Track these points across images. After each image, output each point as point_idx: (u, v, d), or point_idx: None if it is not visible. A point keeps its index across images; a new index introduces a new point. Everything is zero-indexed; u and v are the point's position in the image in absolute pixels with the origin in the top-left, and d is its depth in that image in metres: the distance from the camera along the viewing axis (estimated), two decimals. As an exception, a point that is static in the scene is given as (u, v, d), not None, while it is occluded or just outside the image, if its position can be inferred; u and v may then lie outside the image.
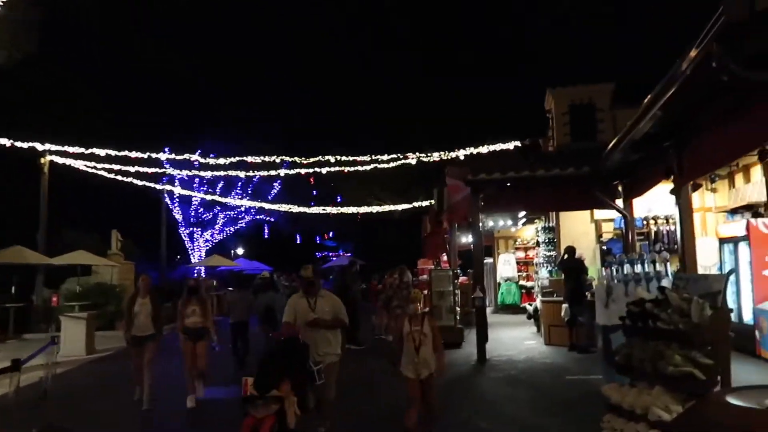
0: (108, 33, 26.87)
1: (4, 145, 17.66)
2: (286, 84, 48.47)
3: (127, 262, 20.65)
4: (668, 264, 7.74)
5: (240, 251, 42.97)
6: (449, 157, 15.03)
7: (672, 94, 5.61)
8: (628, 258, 7.67)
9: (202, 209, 33.93)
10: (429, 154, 15.13)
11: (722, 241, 10.57)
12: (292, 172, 16.89)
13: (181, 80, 33.58)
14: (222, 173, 18.19)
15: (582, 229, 13.82)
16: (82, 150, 16.38)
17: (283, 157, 14.65)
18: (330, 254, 49.77)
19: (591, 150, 11.39)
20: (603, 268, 9.20)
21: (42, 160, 19.16)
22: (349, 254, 45.64)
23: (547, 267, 15.37)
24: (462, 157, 14.91)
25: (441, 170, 15.34)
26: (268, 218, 36.28)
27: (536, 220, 18.75)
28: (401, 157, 15.17)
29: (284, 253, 43.67)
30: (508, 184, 10.64)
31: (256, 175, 32.85)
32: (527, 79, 31.31)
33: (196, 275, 20.19)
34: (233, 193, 31.86)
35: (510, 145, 15.40)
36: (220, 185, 32.80)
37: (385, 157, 15.10)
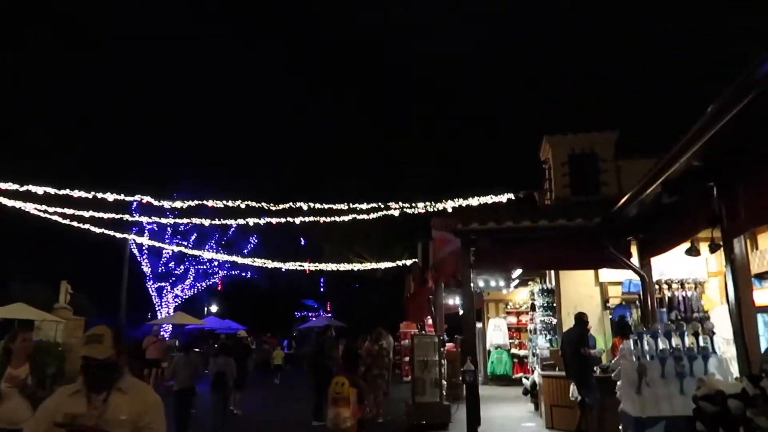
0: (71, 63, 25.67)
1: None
2: (262, 130, 47.71)
3: (76, 318, 18.51)
4: (702, 336, 6.13)
5: (214, 309, 40.63)
6: (435, 209, 13.58)
7: (738, 112, 4.16)
8: (663, 328, 6.04)
9: (173, 263, 31.91)
10: (413, 205, 13.65)
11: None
12: (262, 221, 15.22)
13: (150, 122, 32.31)
14: (189, 220, 16.33)
15: (585, 293, 12.21)
16: (34, 189, 14.56)
17: (248, 203, 13.04)
18: (309, 314, 47.50)
19: (593, 204, 9.98)
20: (625, 341, 7.53)
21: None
22: (329, 314, 43.44)
23: (546, 335, 13.64)
24: (450, 209, 13.42)
25: (426, 223, 13.83)
26: (242, 273, 34.27)
27: (531, 282, 17.12)
28: (382, 207, 13.66)
29: (261, 313, 41.44)
30: (504, 237, 9.10)
31: (230, 226, 31.38)
32: (521, 127, 30.08)
33: (155, 333, 18.06)
34: (207, 246, 30.02)
35: (503, 198, 13.99)
36: (192, 237, 31.00)
37: (365, 206, 13.59)
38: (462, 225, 9.06)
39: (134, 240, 21.97)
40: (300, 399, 14.41)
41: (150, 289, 31.20)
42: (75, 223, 18.82)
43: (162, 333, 29.34)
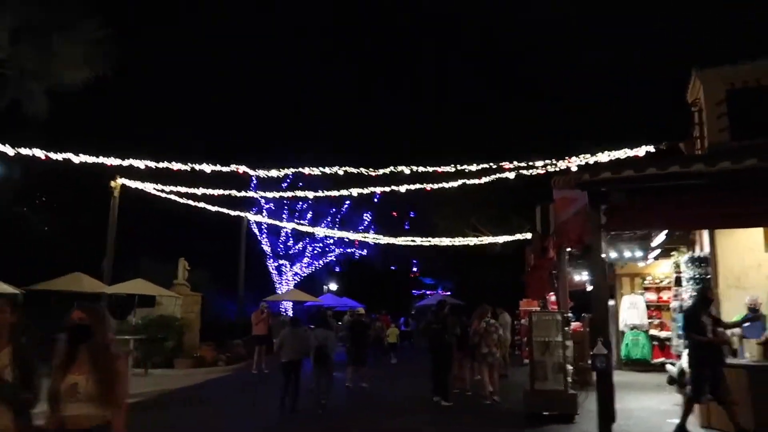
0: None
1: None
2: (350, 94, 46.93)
3: (193, 294, 18.91)
4: None
5: (333, 287, 41.06)
6: (557, 168, 11.71)
7: None
8: None
9: (291, 241, 32.34)
10: (530, 164, 11.82)
11: None
12: (365, 191, 14.19)
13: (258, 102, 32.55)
14: (291, 194, 15.74)
15: (751, 261, 9.82)
16: (154, 164, 14.59)
17: (347, 169, 12.02)
18: (427, 292, 46.65)
19: (762, 149, 7.73)
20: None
21: (112, 183, 18.03)
22: (448, 293, 42.26)
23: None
24: (574, 168, 11.48)
25: (546, 185, 12.02)
26: (358, 251, 34.02)
27: (675, 252, 14.60)
28: (495, 167, 11.97)
29: (378, 290, 41.19)
30: (645, 189, 7.21)
31: (343, 202, 31.09)
32: (658, 65, 25.71)
33: (261, 309, 17.94)
34: (322, 223, 29.94)
35: (639, 151, 11.75)
36: (308, 216, 31.11)
37: (475, 168, 11.98)
38: (590, 175, 7.29)
39: (247, 217, 22.08)
40: (418, 375, 13.54)
41: (270, 267, 31.85)
42: (192, 202, 19.17)
43: (281, 310, 29.93)
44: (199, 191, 16.54)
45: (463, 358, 12.78)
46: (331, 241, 32.35)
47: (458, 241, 24.26)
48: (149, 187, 16.61)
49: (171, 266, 19.13)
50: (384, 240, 24.28)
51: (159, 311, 17.98)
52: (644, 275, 17.06)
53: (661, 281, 16.61)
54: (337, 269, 37.39)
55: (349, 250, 33.99)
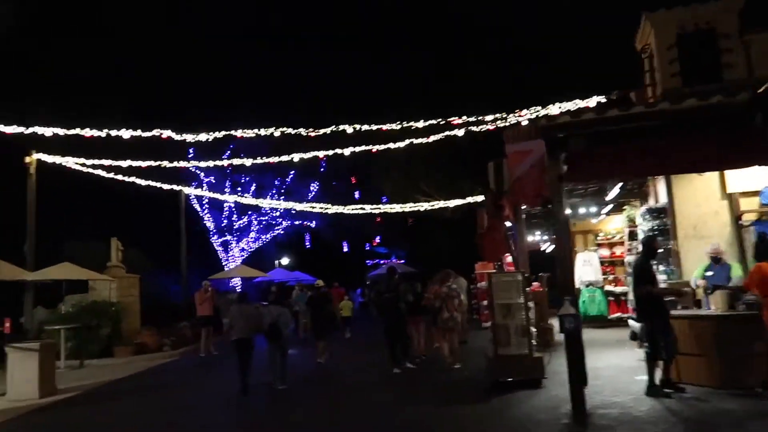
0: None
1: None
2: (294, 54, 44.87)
3: (129, 276, 17.64)
4: None
5: (285, 261, 40.04)
6: (507, 122, 11.12)
7: None
8: None
9: (234, 216, 31.06)
10: (480, 118, 11.16)
11: None
12: (306, 155, 13.21)
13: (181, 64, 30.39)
14: (243, 162, 14.45)
15: (708, 209, 9.59)
16: (63, 131, 13.02)
17: (284, 129, 11.02)
18: (381, 261, 46.26)
19: (715, 93, 7.30)
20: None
21: (27, 159, 16.38)
22: (401, 261, 41.98)
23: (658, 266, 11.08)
24: (525, 123, 10.92)
25: (497, 143, 11.44)
26: (306, 223, 33.09)
27: (627, 207, 14.47)
28: (443, 123, 11.25)
29: (330, 262, 40.45)
30: (606, 133, 6.68)
31: (288, 173, 29.98)
32: (605, 12, 25.19)
33: (204, 289, 16.86)
34: (268, 196, 28.79)
35: (590, 101, 11.30)
36: (252, 189, 29.87)
37: (421, 125, 11.23)
38: (547, 120, 6.69)
39: (183, 191, 20.74)
40: (375, 348, 13.12)
41: (214, 243, 30.57)
42: (120, 177, 17.73)
43: (232, 287, 28.81)
44: (125, 163, 15.13)
45: (417, 324, 12.49)
46: (278, 213, 31.25)
47: (408, 207, 23.65)
48: (69, 162, 15.10)
49: (104, 248, 17.75)
50: (332, 210, 23.41)
51: (93, 297, 16.68)
52: (596, 231, 16.96)
53: (614, 237, 16.54)
54: (287, 242, 36.32)
55: (297, 223, 32.99)
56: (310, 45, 46.91)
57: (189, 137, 10.68)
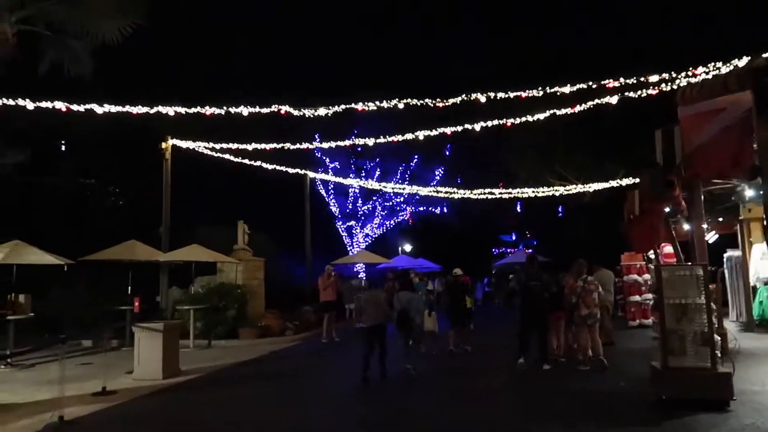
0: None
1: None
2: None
3: (255, 259, 17.66)
4: None
5: (408, 248, 39.40)
6: (676, 85, 9.09)
7: None
8: None
9: (359, 202, 30.79)
10: (643, 80, 9.13)
11: None
12: (433, 132, 11.96)
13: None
14: (365, 141, 13.58)
15: None
16: (184, 110, 13.00)
17: (408, 101, 9.85)
18: (507, 249, 44.16)
19: None
20: None
21: (163, 145, 16.89)
22: (529, 250, 39.65)
23: None
24: (707, 77, 8.74)
25: (664, 108, 9.48)
26: (432, 209, 32.04)
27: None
28: (594, 87, 9.40)
29: (455, 250, 39.14)
30: None
31: (412, 157, 29.01)
32: None
33: (327, 273, 16.37)
34: (392, 181, 28.07)
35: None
36: (376, 174, 29.35)
37: (567, 90, 9.46)
38: (751, 64, 4.92)
39: (308, 174, 20.52)
40: (503, 343, 12.12)
41: (339, 229, 30.54)
42: (246, 161, 17.81)
43: (355, 273, 28.60)
44: (251, 146, 14.94)
45: (557, 321, 10.97)
46: (402, 199, 30.49)
47: (542, 191, 21.67)
48: (201, 147, 15.23)
49: (233, 232, 17.93)
50: (458, 195, 22.10)
51: (221, 278, 16.89)
52: (778, 218, 14.08)
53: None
54: (411, 228, 35.54)
55: (421, 208, 32.06)
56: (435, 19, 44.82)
57: (307, 112, 9.96)
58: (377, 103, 9.73)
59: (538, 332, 10.22)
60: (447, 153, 30.60)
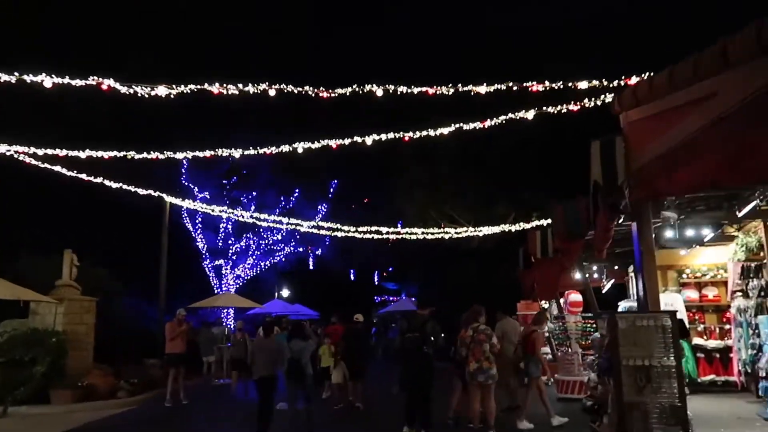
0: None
1: None
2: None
3: (83, 298, 14.04)
4: None
5: (285, 293, 36.28)
6: (601, 99, 7.64)
7: None
8: None
9: (231, 239, 27.57)
10: (572, 85, 7.48)
11: None
12: (314, 145, 9.57)
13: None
14: (230, 153, 10.75)
15: None
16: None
17: (285, 87, 7.52)
18: (390, 298, 42.43)
19: None
20: None
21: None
22: (412, 299, 38.15)
23: None
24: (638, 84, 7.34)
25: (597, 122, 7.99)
26: (311, 250, 29.59)
27: (739, 233, 10.86)
28: (515, 89, 7.52)
29: (335, 296, 36.65)
30: None
31: (293, 191, 26.49)
32: None
33: (178, 319, 13.18)
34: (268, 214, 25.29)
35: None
36: (252, 209, 26.43)
37: (483, 90, 7.61)
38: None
39: (163, 197, 17.27)
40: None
41: (206, 268, 27.00)
42: (84, 176, 14.37)
43: (221, 318, 25.11)
44: (83, 153, 11.70)
45: (452, 378, 9.77)
46: (280, 235, 27.72)
47: (431, 233, 20.09)
48: (13, 151, 11.73)
49: (54, 263, 14.23)
50: (341, 232, 19.91)
51: (35, 323, 13.10)
52: (680, 267, 13.25)
53: (704, 275, 12.88)
54: (289, 272, 32.65)
55: (300, 249, 29.43)
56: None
57: (140, 89, 7.23)
58: (239, 86, 7.31)
59: (415, 394, 8.84)
60: (330, 189, 28.57)
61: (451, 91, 7.44)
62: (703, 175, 4.67)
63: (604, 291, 17.28)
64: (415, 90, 7.41)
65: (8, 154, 13.31)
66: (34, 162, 13.71)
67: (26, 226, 18.99)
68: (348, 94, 7.32)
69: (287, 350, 9.07)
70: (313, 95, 7.28)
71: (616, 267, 15.53)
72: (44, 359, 11.90)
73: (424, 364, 8.91)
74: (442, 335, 10.45)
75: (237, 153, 10.88)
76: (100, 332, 14.43)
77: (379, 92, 7.36)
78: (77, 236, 16.78)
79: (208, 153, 11.39)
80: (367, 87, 7.31)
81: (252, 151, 10.62)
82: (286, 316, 24.69)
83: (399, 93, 7.37)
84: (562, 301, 14.04)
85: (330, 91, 7.32)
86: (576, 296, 13.52)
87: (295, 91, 7.26)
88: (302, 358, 9.02)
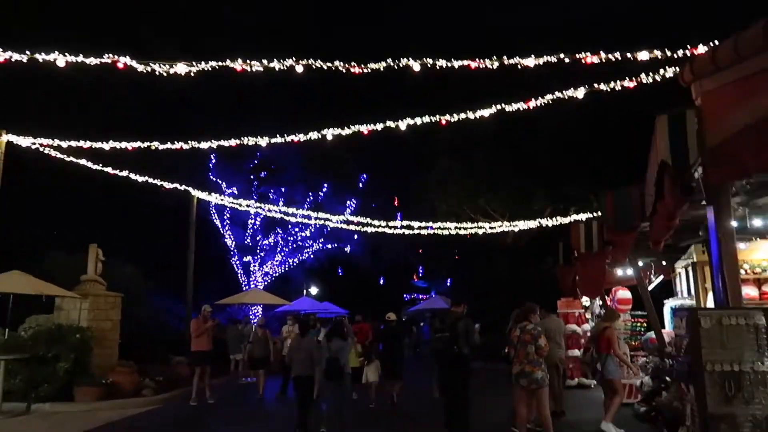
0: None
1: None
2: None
3: (108, 294, 13.72)
4: None
5: (314, 290, 35.89)
6: (666, 74, 6.87)
7: None
8: None
9: (259, 236, 27.24)
10: (630, 56, 6.71)
11: None
12: (344, 131, 8.96)
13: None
14: (256, 141, 10.17)
15: None
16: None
17: (314, 62, 6.94)
18: (420, 296, 41.75)
19: None
20: None
21: (-6, 140, 12.85)
22: (445, 296, 37.44)
23: None
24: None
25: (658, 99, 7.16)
26: (340, 247, 29.07)
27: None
28: (569, 62, 6.81)
29: (364, 294, 36.14)
30: None
31: (321, 186, 26.05)
32: None
33: (203, 316, 12.76)
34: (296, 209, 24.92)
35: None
36: (280, 204, 26.05)
37: (531, 63, 6.86)
38: None
39: (191, 192, 16.89)
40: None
41: (235, 265, 26.73)
42: (109, 170, 14.07)
43: (249, 316, 24.77)
44: (107, 145, 11.34)
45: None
46: (308, 232, 27.29)
47: (464, 228, 19.34)
48: (39, 144, 11.44)
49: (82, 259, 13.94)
50: (372, 228, 19.31)
51: (59, 318, 12.83)
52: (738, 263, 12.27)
53: (764, 270, 11.87)
54: (318, 269, 32.22)
55: (328, 245, 28.95)
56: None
57: (158, 67, 6.79)
58: (264, 62, 6.75)
59: (451, 397, 8.38)
60: (361, 181, 28.02)
61: (496, 64, 6.75)
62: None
63: (649, 288, 16.32)
64: (456, 64, 6.73)
65: (33, 147, 13.12)
66: (59, 155, 13.48)
67: (52, 224, 18.88)
68: (382, 69, 6.70)
69: (325, 349, 8.93)
70: (344, 71, 6.72)
71: (663, 262, 14.59)
72: (68, 356, 11.60)
73: (458, 364, 8.35)
74: (478, 334, 9.75)
75: (263, 141, 10.38)
76: (125, 329, 14.13)
77: (416, 67, 6.73)
78: (104, 233, 16.55)
79: (233, 142, 10.89)
80: (404, 61, 6.67)
81: (279, 139, 10.08)
82: (314, 313, 24.29)
83: (438, 68, 6.72)
84: (608, 298, 13.16)
85: (363, 66, 6.72)
86: (625, 293, 12.68)
87: (324, 67, 6.71)
88: (341, 358, 8.87)
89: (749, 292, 11.90)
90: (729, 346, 4.34)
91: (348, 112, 10.27)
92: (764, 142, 4.46)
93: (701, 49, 6.63)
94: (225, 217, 25.93)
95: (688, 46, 6.71)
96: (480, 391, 9.52)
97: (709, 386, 4.34)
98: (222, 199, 19.46)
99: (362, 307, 30.19)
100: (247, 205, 19.51)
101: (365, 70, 6.81)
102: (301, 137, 9.55)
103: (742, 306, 4.71)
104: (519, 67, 6.79)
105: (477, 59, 6.65)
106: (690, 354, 4.54)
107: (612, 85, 7.40)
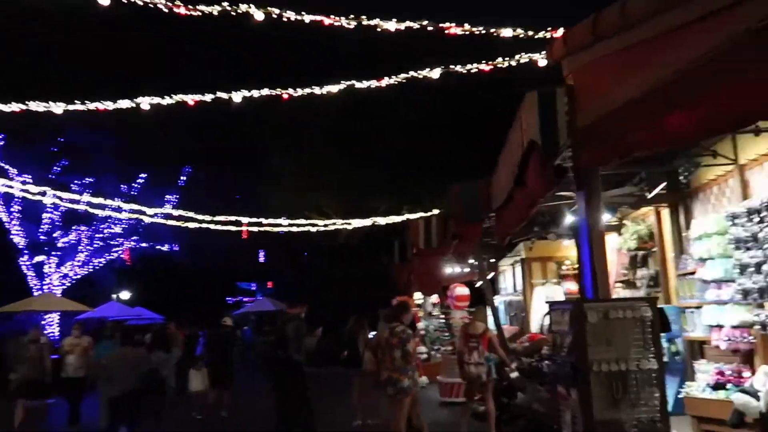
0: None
1: None
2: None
3: None
4: None
5: (125, 295, 32.06)
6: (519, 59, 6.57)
7: None
8: None
9: (58, 232, 23.47)
10: (491, 31, 6.22)
11: None
12: (164, 101, 7.33)
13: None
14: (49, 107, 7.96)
15: None
16: None
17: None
18: (245, 299, 39.72)
19: None
20: None
21: None
22: (272, 298, 35.93)
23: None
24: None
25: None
26: (157, 246, 26.27)
27: (626, 220, 10.50)
28: (428, 28, 6.01)
29: (184, 299, 33.19)
30: None
31: (137, 176, 23.34)
32: None
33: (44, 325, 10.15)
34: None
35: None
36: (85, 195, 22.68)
37: (392, 26, 6.03)
38: None
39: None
40: None
41: (24, 266, 22.69)
42: None
43: (42, 325, 21.10)
44: None
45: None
46: (120, 228, 24.17)
47: (298, 225, 18.37)
48: None
49: None
50: (194, 223, 17.45)
51: None
52: (559, 259, 12.90)
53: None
54: (129, 270, 28.81)
55: (143, 244, 25.97)
56: None
57: None
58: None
59: (283, 406, 7.98)
60: (182, 176, 25.56)
61: (353, 24, 5.84)
62: (698, 121, 3.54)
63: (476, 285, 16.80)
64: (307, 18, 5.69)
65: None
66: None
67: None
68: (216, 13, 5.36)
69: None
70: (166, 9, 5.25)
71: (492, 260, 15.02)
72: None
73: (288, 370, 7.95)
74: (314, 336, 9.65)
75: (58, 108, 8.21)
76: None
77: (259, 15, 5.53)
78: None
79: (17, 107, 8.57)
80: (243, 7, 5.43)
81: (80, 107, 8.06)
82: (122, 321, 21.43)
83: (285, 19, 5.61)
84: (446, 295, 13.12)
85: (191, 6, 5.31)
86: (462, 289, 12.69)
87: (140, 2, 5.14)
88: (163, 370, 8.72)
89: (570, 286, 12.58)
90: (615, 343, 3.91)
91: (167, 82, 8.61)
92: (652, 114, 4.12)
93: (560, 32, 6.42)
94: (12, 210, 21.87)
95: (549, 28, 6.50)
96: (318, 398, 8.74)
97: (596, 389, 3.87)
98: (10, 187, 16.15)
99: (181, 313, 27.50)
100: (41, 194, 16.37)
101: (192, 13, 5.44)
102: (110, 105, 7.71)
103: (629, 298, 4.35)
104: (378, 29, 6.01)
105: (332, 16, 5.70)
106: (574, 353, 4.04)
107: (469, 67, 6.98)
